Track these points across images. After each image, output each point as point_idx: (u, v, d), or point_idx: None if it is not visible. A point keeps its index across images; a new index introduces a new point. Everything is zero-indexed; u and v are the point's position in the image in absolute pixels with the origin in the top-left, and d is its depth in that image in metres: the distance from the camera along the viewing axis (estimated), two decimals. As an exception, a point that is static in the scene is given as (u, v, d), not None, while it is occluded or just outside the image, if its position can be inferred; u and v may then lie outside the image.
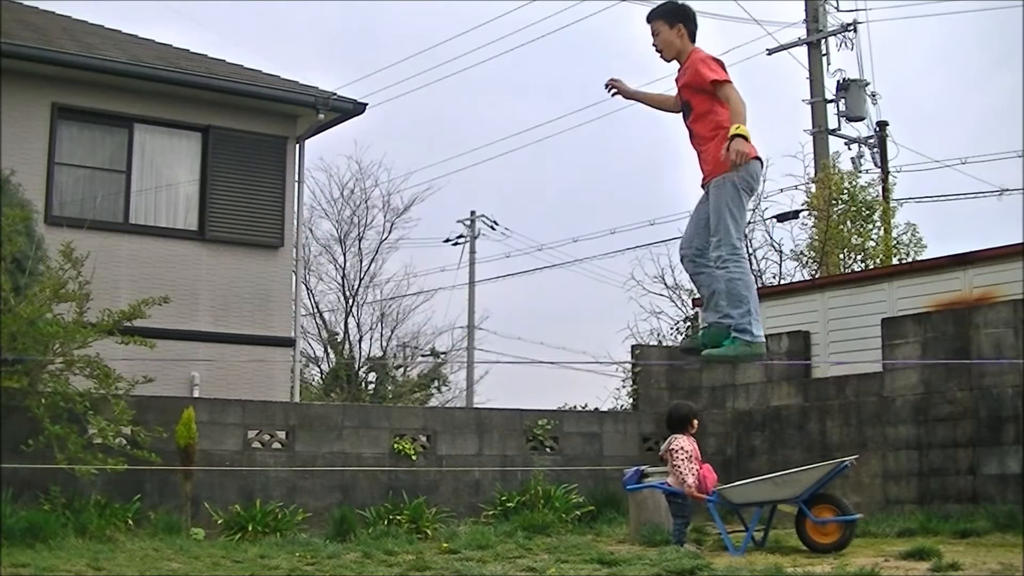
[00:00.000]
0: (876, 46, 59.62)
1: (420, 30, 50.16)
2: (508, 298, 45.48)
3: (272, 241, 14.69)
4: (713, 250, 5.08)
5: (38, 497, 9.74)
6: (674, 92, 5.39)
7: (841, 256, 18.59)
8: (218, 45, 48.70)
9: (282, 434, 11.55)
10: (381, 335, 26.91)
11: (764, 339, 5.01)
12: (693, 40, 5.25)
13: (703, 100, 5.11)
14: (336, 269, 26.41)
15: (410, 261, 50.75)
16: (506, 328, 41.00)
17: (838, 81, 20.28)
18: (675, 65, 5.31)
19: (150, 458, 9.95)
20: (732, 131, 4.86)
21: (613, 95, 5.47)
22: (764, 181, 19.92)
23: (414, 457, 12.02)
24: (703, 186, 5.22)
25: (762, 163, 5.21)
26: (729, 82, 5.02)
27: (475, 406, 26.15)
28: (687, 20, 5.25)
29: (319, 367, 26.38)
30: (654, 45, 5.29)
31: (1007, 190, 19.97)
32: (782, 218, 19.74)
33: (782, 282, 18.57)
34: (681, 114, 5.30)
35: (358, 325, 26.34)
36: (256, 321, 14.45)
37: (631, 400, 17.45)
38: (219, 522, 10.53)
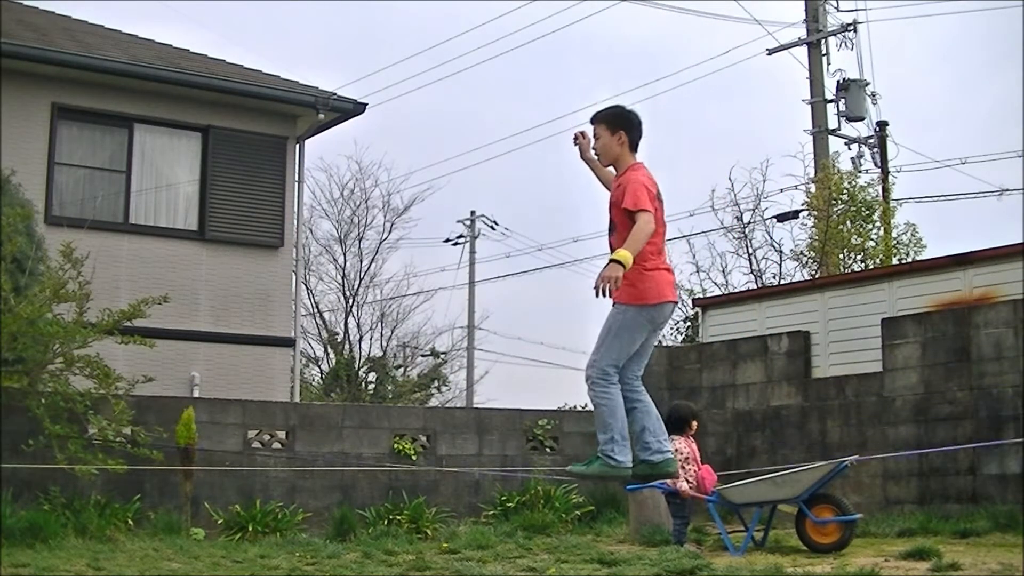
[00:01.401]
0: (876, 46, 59.67)
1: (420, 30, 50.18)
2: (508, 298, 45.50)
3: (272, 241, 14.69)
4: (587, 366, 5.06)
5: (38, 497, 9.74)
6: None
7: (841, 256, 18.59)
8: (218, 45, 48.72)
9: (282, 434, 11.56)
10: (381, 335, 26.93)
11: (629, 465, 5.04)
12: (635, 149, 5.16)
13: (626, 223, 4.99)
14: (336, 269, 26.43)
15: (410, 261, 50.87)
16: (506, 328, 41.03)
17: (838, 81, 20.28)
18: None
19: (151, 455, 9.95)
20: (613, 255, 4.78)
21: (575, 144, 5.38)
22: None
23: (414, 457, 12.02)
24: (613, 303, 5.08)
25: (675, 306, 5.15)
26: (645, 211, 4.89)
27: (475, 406, 26.17)
28: (630, 128, 5.15)
29: (319, 367, 26.41)
30: (593, 148, 5.23)
31: (1007, 190, 19.99)
32: (782, 218, 19.75)
33: (782, 282, 18.57)
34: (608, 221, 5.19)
35: (358, 325, 26.36)
36: (256, 321, 14.45)
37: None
38: (219, 522, 10.53)
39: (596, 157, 5.27)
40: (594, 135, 5.20)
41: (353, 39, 54.62)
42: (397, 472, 11.87)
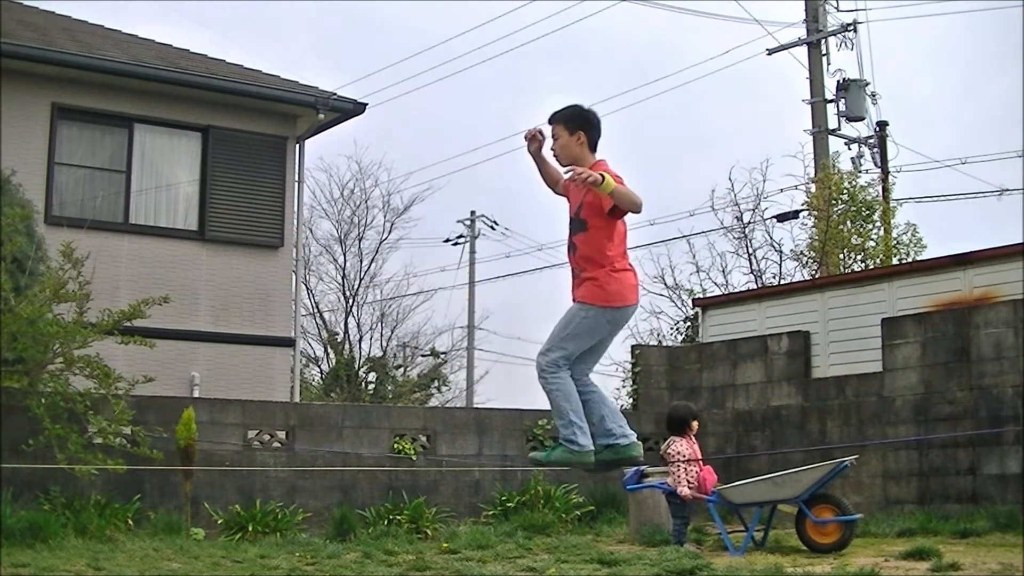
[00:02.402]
0: (876, 46, 59.65)
1: (420, 30, 50.19)
2: (508, 298, 45.50)
3: (272, 241, 14.69)
4: (539, 354, 4.94)
5: (38, 497, 9.74)
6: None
7: (841, 256, 18.59)
8: (218, 45, 48.77)
9: (282, 434, 11.55)
10: (381, 335, 26.93)
11: (591, 448, 4.93)
12: (594, 149, 4.98)
13: (600, 222, 4.84)
14: (336, 269, 26.43)
15: (410, 261, 50.83)
16: (506, 328, 41.01)
17: (838, 81, 20.29)
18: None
19: (151, 454, 9.95)
20: (600, 174, 4.65)
21: (527, 141, 5.09)
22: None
23: (414, 457, 12.02)
24: (575, 300, 4.98)
25: (634, 308, 5.04)
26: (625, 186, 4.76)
27: (475, 406, 26.16)
28: (588, 128, 4.97)
29: (319, 367, 26.41)
30: (552, 149, 5.05)
31: (1007, 190, 19.99)
32: (782, 218, 19.75)
33: (782, 282, 18.57)
34: (569, 224, 4.99)
35: (358, 325, 26.36)
36: (256, 321, 14.45)
37: (631, 400, 17.45)
38: (219, 522, 10.52)
39: (554, 158, 5.06)
40: (552, 135, 5.02)
41: (353, 39, 54.66)
42: (397, 472, 11.87)
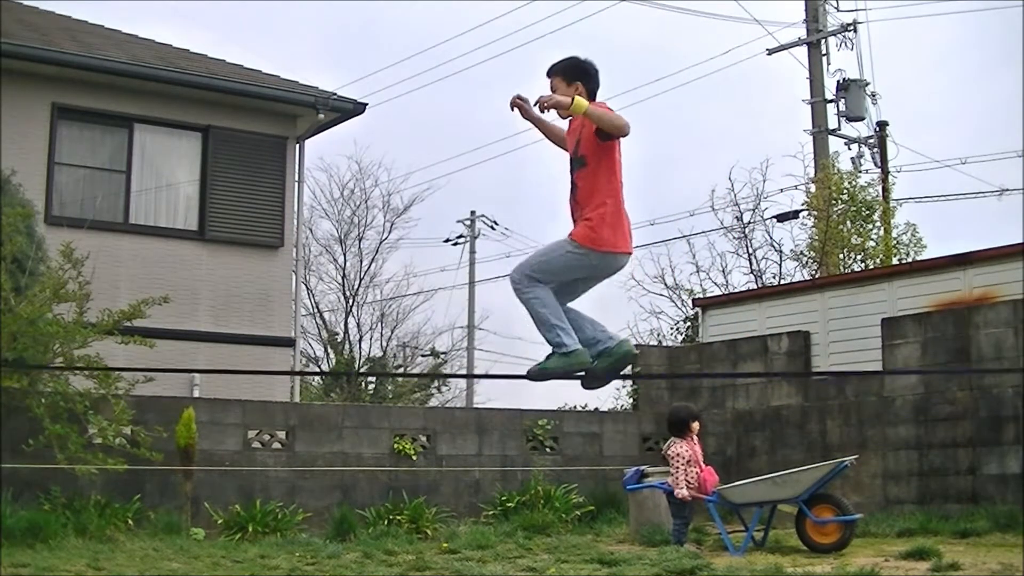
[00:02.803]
0: (876, 46, 59.66)
1: (420, 30, 50.16)
2: (508, 298, 45.40)
3: (272, 241, 14.69)
4: (513, 270, 4.90)
5: (38, 497, 9.74)
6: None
7: (841, 256, 18.59)
8: (218, 45, 48.74)
9: (282, 434, 11.55)
10: (381, 335, 26.94)
11: (582, 348, 4.84)
12: (593, 99, 4.94)
13: (597, 157, 4.83)
14: (336, 269, 26.44)
15: (410, 261, 50.81)
16: (506, 328, 41.00)
17: (838, 81, 20.29)
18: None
19: (150, 456, 9.95)
20: (577, 98, 4.66)
21: (513, 110, 5.05)
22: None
23: (414, 457, 12.02)
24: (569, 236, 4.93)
25: (627, 258, 4.93)
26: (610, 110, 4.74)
27: (475, 406, 26.15)
28: (586, 78, 4.97)
29: (319, 367, 26.39)
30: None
31: (1007, 190, 20.01)
32: (782, 218, 19.76)
33: (782, 282, 18.57)
34: (570, 165, 4.97)
35: (358, 325, 26.37)
36: (256, 321, 14.45)
37: (631, 400, 17.46)
38: (219, 522, 10.53)
39: (544, 114, 4.96)
40: (551, 88, 4.99)
41: (353, 39, 54.62)
42: (397, 472, 11.87)
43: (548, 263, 4.85)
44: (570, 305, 5.03)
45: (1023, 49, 38.05)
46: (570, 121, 5.03)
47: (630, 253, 4.94)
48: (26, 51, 12.97)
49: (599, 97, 4.99)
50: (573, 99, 4.67)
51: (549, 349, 4.92)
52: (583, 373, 4.92)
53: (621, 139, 4.84)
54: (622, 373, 5.21)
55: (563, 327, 4.85)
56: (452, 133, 48.27)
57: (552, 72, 5.02)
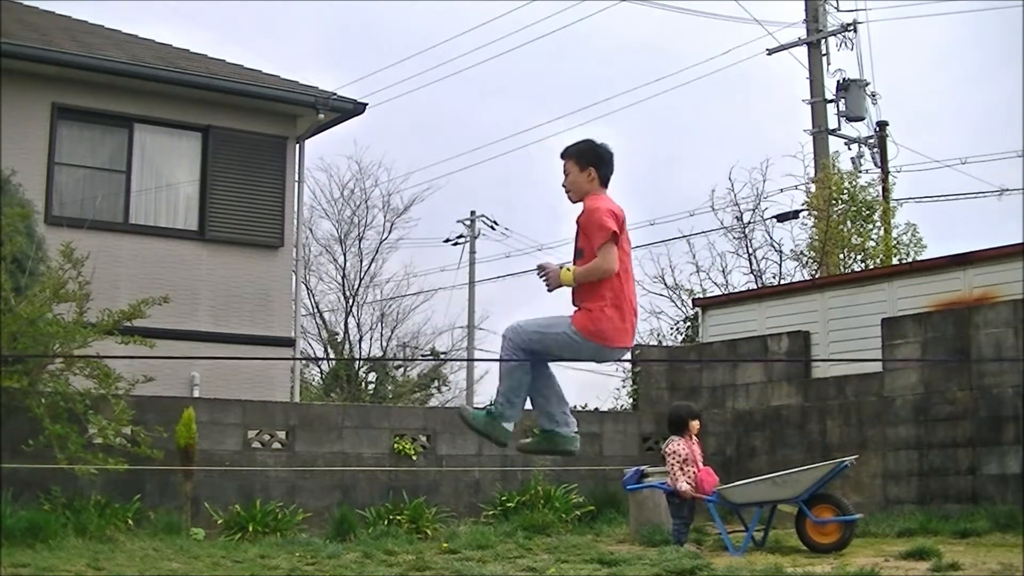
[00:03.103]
0: (876, 46, 59.65)
1: (420, 30, 50.15)
2: (508, 298, 45.48)
3: (272, 241, 14.69)
4: (512, 328, 4.93)
5: (38, 497, 9.74)
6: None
7: (841, 256, 18.60)
8: (218, 45, 48.74)
9: (282, 434, 11.55)
10: (381, 335, 26.93)
11: (509, 430, 4.92)
12: (605, 185, 4.96)
13: (593, 254, 4.79)
14: (336, 269, 26.44)
15: (410, 261, 50.76)
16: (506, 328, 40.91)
17: (838, 81, 20.29)
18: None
19: (150, 454, 9.95)
20: (566, 267, 4.72)
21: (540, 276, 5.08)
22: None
23: (414, 457, 12.02)
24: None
25: (623, 351, 4.97)
26: (608, 243, 4.70)
27: (475, 406, 26.12)
28: (600, 164, 4.95)
29: (319, 367, 26.40)
30: (563, 184, 5.02)
31: (1007, 190, 20.01)
32: (782, 218, 19.76)
33: (782, 282, 18.57)
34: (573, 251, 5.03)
35: (358, 325, 26.37)
36: (256, 321, 14.45)
37: (631, 400, 17.46)
38: (219, 522, 10.53)
39: (565, 193, 5.02)
40: (564, 171, 5.00)
41: (353, 39, 54.62)
42: (397, 472, 11.87)
43: (543, 339, 4.87)
44: (552, 373, 5.07)
45: (1023, 49, 38.07)
46: (580, 213, 4.99)
47: (628, 347, 4.97)
48: (26, 51, 12.97)
49: (610, 184, 4.99)
50: (560, 275, 4.72)
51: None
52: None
53: (625, 225, 4.87)
54: (623, 358, 5.29)
55: (513, 401, 4.91)
56: (452, 133, 48.32)
57: (566, 155, 5.01)
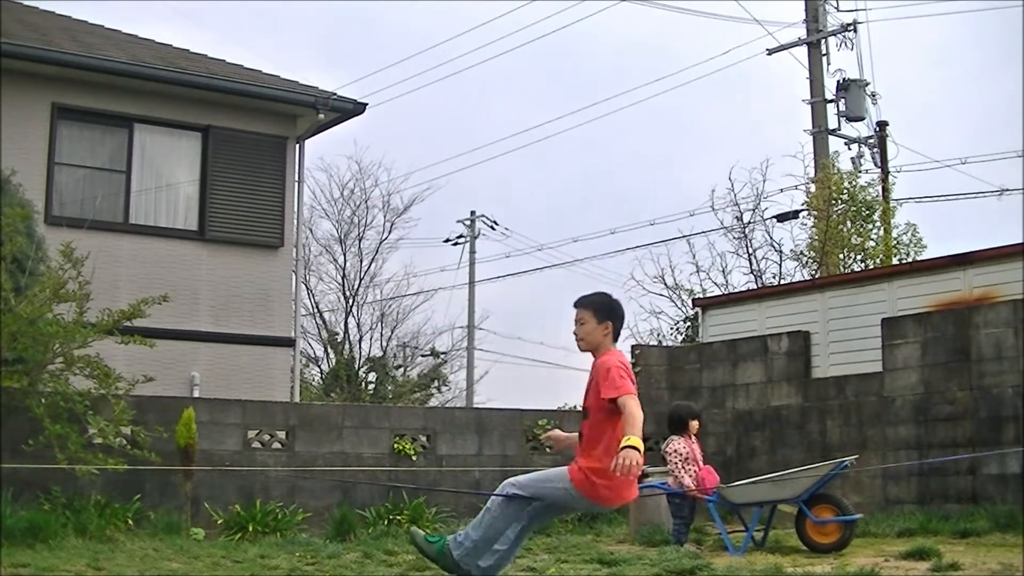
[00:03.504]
0: (876, 46, 59.66)
1: (420, 30, 50.17)
2: (508, 298, 45.50)
3: (272, 241, 14.69)
4: (511, 483, 5.16)
5: (38, 497, 9.73)
6: None
7: (841, 256, 18.60)
8: (218, 45, 48.77)
9: (282, 434, 11.55)
10: (381, 335, 26.94)
11: (464, 570, 5.09)
12: (616, 338, 5.14)
13: (602, 407, 4.95)
14: (336, 269, 26.44)
15: (410, 261, 50.81)
16: (506, 328, 41.02)
17: (838, 81, 20.31)
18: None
19: (150, 458, 9.94)
20: (625, 441, 4.63)
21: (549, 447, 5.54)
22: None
23: (414, 457, 12.02)
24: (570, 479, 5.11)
25: (619, 504, 5.21)
26: (629, 393, 4.83)
27: (475, 406, 26.16)
28: (616, 319, 5.13)
29: (319, 367, 26.41)
30: (575, 332, 5.14)
31: (1007, 190, 20.01)
32: (782, 218, 19.77)
33: (782, 282, 18.57)
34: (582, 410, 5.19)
35: (358, 325, 26.37)
36: (256, 321, 14.45)
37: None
38: (219, 522, 10.52)
39: (576, 340, 5.18)
40: (578, 319, 5.12)
41: (353, 39, 54.64)
42: (397, 472, 11.87)
43: (541, 490, 5.08)
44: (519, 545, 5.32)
45: (1023, 49, 38.07)
46: (591, 367, 5.13)
47: (628, 500, 5.20)
48: (26, 51, 12.97)
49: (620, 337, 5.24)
50: (632, 442, 4.66)
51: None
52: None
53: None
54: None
55: (480, 551, 5.10)
56: (452, 133, 48.36)
57: (582, 304, 5.16)
